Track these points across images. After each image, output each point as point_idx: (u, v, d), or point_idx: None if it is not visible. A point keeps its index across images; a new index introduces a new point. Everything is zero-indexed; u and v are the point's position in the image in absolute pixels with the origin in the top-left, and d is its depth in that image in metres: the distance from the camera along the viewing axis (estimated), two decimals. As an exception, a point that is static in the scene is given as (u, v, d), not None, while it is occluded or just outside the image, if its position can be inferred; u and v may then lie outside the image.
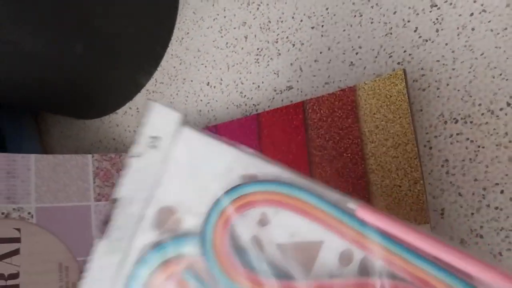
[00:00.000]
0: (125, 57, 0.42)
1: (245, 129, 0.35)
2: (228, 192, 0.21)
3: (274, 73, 0.36)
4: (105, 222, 0.22)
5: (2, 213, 0.36)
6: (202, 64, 0.41)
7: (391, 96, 0.28)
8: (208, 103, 0.40)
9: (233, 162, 0.22)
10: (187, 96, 0.41)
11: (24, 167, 0.38)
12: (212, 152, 0.22)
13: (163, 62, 0.43)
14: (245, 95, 0.38)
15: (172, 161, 0.22)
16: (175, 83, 0.42)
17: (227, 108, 0.39)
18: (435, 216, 0.29)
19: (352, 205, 0.21)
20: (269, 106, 0.36)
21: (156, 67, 0.43)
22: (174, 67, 0.43)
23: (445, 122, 0.30)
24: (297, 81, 0.35)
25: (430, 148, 0.30)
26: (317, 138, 0.31)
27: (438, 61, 0.31)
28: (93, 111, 0.46)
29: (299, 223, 0.21)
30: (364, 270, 0.20)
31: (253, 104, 0.37)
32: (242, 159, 0.22)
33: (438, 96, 0.30)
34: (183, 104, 0.42)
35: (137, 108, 0.45)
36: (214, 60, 0.40)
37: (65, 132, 0.50)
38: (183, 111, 0.41)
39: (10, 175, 0.38)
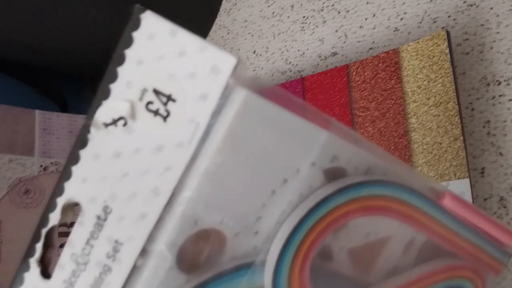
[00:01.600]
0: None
1: (291, 92, 0.36)
2: (322, 203, 0.15)
3: (319, 40, 0.38)
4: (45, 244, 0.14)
5: (64, 169, 0.40)
6: (249, 33, 0.43)
7: (433, 57, 0.29)
8: (254, 70, 0.42)
9: (320, 151, 0.15)
10: (234, 65, 0.43)
11: (84, 128, 0.41)
12: (289, 134, 0.14)
13: (212, 33, 0.45)
14: (290, 62, 0.39)
15: (217, 146, 0.13)
16: (223, 53, 0.44)
17: (272, 75, 0.40)
18: (475, 175, 0.30)
19: (437, 190, 0.18)
20: (313, 72, 0.38)
21: (205, 38, 0.46)
22: (222, 37, 0.45)
23: (488, 85, 0.30)
24: (342, 47, 0.36)
25: (472, 110, 0.31)
26: (360, 99, 0.32)
27: (482, 25, 0.31)
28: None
29: (376, 220, 0.17)
30: (423, 254, 0.18)
31: (298, 71, 0.39)
32: (333, 146, 0.15)
33: (481, 60, 0.31)
34: (230, 72, 0.44)
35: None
36: (261, 30, 0.42)
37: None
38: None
39: (72, 134, 0.41)
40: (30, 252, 0.15)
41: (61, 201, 0.14)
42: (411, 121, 0.30)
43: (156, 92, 0.13)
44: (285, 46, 0.40)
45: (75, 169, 0.14)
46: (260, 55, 0.41)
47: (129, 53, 0.13)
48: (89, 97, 0.51)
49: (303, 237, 0.15)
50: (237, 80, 0.13)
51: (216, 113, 0.13)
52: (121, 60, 0.13)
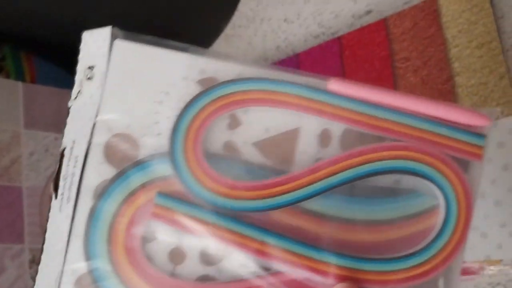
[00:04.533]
0: (205, 3, 0.45)
1: (327, 53, 0.37)
2: (192, 102, 0.20)
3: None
4: (55, 179, 0.21)
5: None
6: (279, 2, 0.43)
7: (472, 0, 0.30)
8: (286, 38, 0.42)
9: (186, 68, 0.20)
10: (265, 36, 0.44)
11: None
12: (157, 62, 0.20)
13: (240, 6, 0.46)
14: (323, 25, 0.40)
15: (111, 83, 0.21)
16: (253, 25, 0.45)
17: (305, 40, 0.41)
18: (520, 115, 0.30)
19: (323, 80, 0.20)
20: (348, 32, 0.38)
21: (233, 11, 0.46)
22: (251, 9, 0.45)
23: (527, 25, 0.31)
24: (376, 5, 0.37)
25: (513, 51, 0.31)
26: (401, 51, 0.33)
27: (517, -32, 0.32)
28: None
29: (272, 116, 0.20)
30: (347, 143, 0.20)
31: (331, 33, 0.39)
32: (196, 63, 0.20)
33: (519, 2, 0.31)
34: (261, 43, 0.44)
35: (218, 53, 0.48)
36: (291, -3, 0.42)
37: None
38: (260, 49, 0.44)
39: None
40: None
41: None
42: (454, 66, 0.30)
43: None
44: (318, 10, 0.40)
45: None
46: (292, 22, 0.42)
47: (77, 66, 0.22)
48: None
49: (185, 131, 0.20)
50: (116, 37, 0.21)
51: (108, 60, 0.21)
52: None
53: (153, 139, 0.20)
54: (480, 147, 0.19)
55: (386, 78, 0.33)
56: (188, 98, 0.20)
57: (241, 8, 0.46)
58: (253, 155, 0.20)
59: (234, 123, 0.20)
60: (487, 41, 0.29)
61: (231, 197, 0.19)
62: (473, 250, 0.29)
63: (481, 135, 0.20)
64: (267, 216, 0.19)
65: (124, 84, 0.21)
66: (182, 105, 0.20)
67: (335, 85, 0.20)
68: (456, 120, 0.19)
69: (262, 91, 0.20)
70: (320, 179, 0.19)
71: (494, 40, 0.29)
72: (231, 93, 0.20)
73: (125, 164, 0.20)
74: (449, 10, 0.31)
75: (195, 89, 0.20)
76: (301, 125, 0.20)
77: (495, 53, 0.29)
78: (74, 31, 0.42)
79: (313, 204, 0.19)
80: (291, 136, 0.20)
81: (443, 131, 0.19)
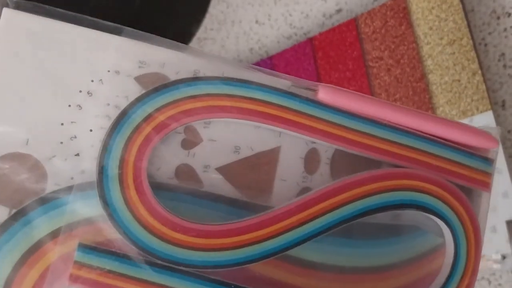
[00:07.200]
0: (175, 7, 0.44)
1: (300, 55, 0.36)
2: (132, 108, 0.14)
3: (321, -1, 0.38)
4: None
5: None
6: (249, 4, 0.42)
7: (442, -4, 0.29)
8: (259, 40, 0.42)
9: (118, 58, 0.14)
10: (238, 38, 0.43)
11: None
12: (74, 46, 0.14)
13: (211, 9, 0.45)
14: (294, 26, 0.39)
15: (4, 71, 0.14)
16: (225, 27, 0.44)
17: (278, 42, 0.40)
18: (496, 109, 0.30)
19: (311, 87, 0.15)
20: (319, 32, 0.38)
21: (204, 15, 0.45)
22: (222, 11, 0.45)
23: (498, 18, 0.31)
24: (346, 3, 0.36)
25: (485, 45, 0.31)
26: (373, 50, 0.32)
27: (484, -40, 0.31)
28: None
29: (243, 131, 0.15)
30: (337, 168, 0.15)
31: (304, 33, 0.39)
32: (134, 51, 0.14)
33: (488, -6, 0.31)
34: (234, 45, 0.43)
35: (191, 57, 0.47)
36: (260, -2, 0.42)
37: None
38: (234, 51, 0.43)
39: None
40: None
41: None
42: (426, 64, 0.30)
43: None
44: (288, 11, 0.40)
45: None
46: (263, 23, 0.41)
47: None
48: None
49: (122, 151, 0.13)
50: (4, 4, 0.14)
51: None
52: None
53: (68, 163, 0.14)
54: (489, 175, 0.16)
55: (360, 78, 0.33)
56: (122, 102, 0.14)
57: (212, 10, 0.45)
58: (218, 185, 0.15)
59: (191, 141, 0.15)
60: (458, 38, 0.29)
61: (190, 247, 0.14)
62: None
63: (489, 160, 0.16)
64: (242, 270, 0.14)
65: (18, 77, 0.14)
66: (113, 111, 0.14)
67: (326, 93, 0.15)
68: (462, 141, 0.16)
69: (231, 96, 0.14)
70: (310, 219, 0.14)
71: (465, 36, 0.29)
72: (187, 97, 0.14)
73: (24, 201, 0.14)
74: (419, 7, 0.30)
75: (132, 89, 0.14)
76: (282, 144, 0.15)
77: (467, 49, 0.28)
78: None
79: (302, 252, 0.15)
80: (268, 159, 0.15)
81: (449, 154, 0.16)
